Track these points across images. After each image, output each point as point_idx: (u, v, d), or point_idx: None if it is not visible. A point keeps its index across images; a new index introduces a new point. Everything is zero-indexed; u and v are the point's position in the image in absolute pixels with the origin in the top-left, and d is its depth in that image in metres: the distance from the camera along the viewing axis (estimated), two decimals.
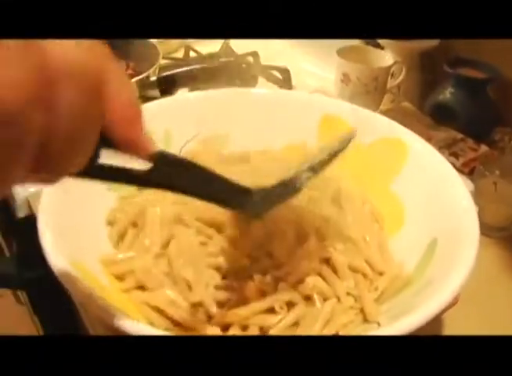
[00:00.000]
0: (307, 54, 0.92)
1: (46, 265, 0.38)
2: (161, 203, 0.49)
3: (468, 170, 0.67)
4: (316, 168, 0.43)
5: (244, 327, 0.41)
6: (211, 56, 0.89)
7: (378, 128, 0.57)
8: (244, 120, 0.59)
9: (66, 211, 0.44)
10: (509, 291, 0.53)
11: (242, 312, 0.41)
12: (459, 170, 0.66)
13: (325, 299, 0.43)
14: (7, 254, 0.90)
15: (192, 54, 0.92)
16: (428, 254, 0.45)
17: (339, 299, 0.44)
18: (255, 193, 0.38)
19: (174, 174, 0.30)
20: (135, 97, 0.25)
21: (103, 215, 0.49)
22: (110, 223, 0.49)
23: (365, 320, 0.43)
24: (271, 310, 0.42)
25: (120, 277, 0.45)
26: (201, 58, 0.90)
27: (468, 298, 0.44)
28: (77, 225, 0.45)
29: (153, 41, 0.80)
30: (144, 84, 0.73)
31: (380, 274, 0.46)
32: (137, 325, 0.35)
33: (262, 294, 0.43)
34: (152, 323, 0.40)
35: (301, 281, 0.44)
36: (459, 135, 0.72)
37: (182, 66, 0.79)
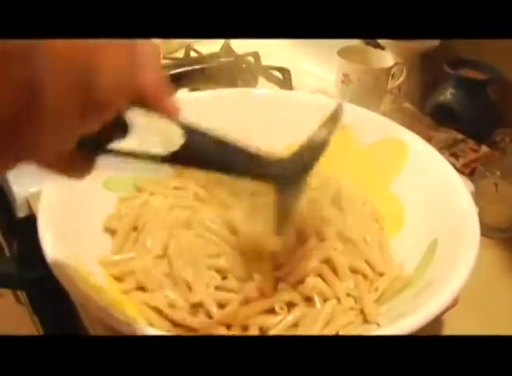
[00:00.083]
0: (307, 54, 0.92)
1: (46, 266, 0.38)
2: (161, 204, 0.50)
3: (469, 171, 0.67)
4: (327, 125, 0.42)
5: (244, 328, 0.41)
6: (211, 56, 0.89)
7: (378, 128, 0.57)
8: (245, 120, 0.59)
9: (65, 212, 0.44)
10: (509, 292, 0.53)
11: (242, 312, 0.41)
12: (460, 171, 0.65)
13: (325, 300, 0.43)
14: (7, 254, 0.90)
15: (192, 54, 0.92)
16: (428, 255, 0.45)
17: (339, 300, 0.44)
18: (284, 161, 0.37)
19: (205, 149, 0.30)
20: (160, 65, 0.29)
21: (103, 216, 0.49)
22: (110, 232, 0.49)
23: (365, 321, 0.43)
24: (271, 311, 0.42)
25: (119, 278, 0.45)
26: (201, 58, 0.89)
27: (468, 299, 0.44)
28: (77, 227, 0.45)
29: (154, 41, 0.79)
30: None
31: (381, 275, 0.46)
32: (136, 326, 0.35)
33: (262, 294, 0.43)
34: (152, 324, 0.40)
35: (301, 282, 0.44)
36: (460, 136, 0.72)
37: (182, 66, 0.79)
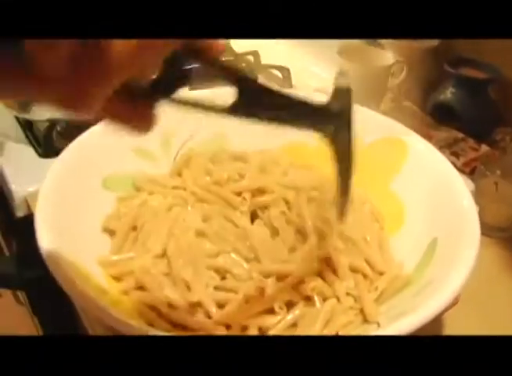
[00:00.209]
0: (307, 54, 0.92)
1: (46, 266, 0.38)
2: (160, 203, 0.49)
3: (469, 170, 0.67)
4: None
5: (243, 328, 0.41)
6: None
7: (378, 127, 0.56)
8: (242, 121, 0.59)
9: (64, 212, 0.44)
10: (509, 291, 0.53)
11: (241, 312, 0.41)
12: (460, 170, 0.65)
13: (324, 299, 0.43)
14: (6, 253, 0.90)
15: None
16: (428, 254, 0.45)
17: (339, 299, 0.43)
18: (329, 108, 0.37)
19: (259, 100, 0.31)
20: None
21: (101, 216, 0.49)
22: (109, 232, 0.49)
23: (365, 321, 0.43)
24: (270, 310, 0.42)
25: (118, 278, 0.44)
26: None
27: (468, 298, 0.44)
28: (76, 227, 0.45)
29: None
30: None
31: (380, 274, 0.46)
32: (136, 326, 0.34)
33: (262, 294, 0.43)
34: (151, 324, 0.40)
35: (300, 281, 0.44)
36: (460, 135, 0.72)
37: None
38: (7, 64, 0.23)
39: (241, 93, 0.30)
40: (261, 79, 0.31)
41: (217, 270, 0.44)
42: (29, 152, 0.68)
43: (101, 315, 0.36)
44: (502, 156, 0.67)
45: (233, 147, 0.58)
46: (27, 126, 0.72)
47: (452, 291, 0.38)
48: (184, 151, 0.57)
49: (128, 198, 0.51)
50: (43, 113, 0.66)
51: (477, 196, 0.54)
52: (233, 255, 0.45)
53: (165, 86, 0.28)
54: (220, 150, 0.57)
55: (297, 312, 0.42)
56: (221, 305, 0.42)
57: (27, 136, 0.71)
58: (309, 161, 0.57)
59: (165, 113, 0.57)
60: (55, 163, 0.48)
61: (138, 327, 0.35)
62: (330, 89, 0.39)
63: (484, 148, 0.70)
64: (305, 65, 0.91)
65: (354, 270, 0.46)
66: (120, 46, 0.23)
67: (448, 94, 0.75)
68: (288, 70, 0.82)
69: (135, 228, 0.48)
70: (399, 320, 0.36)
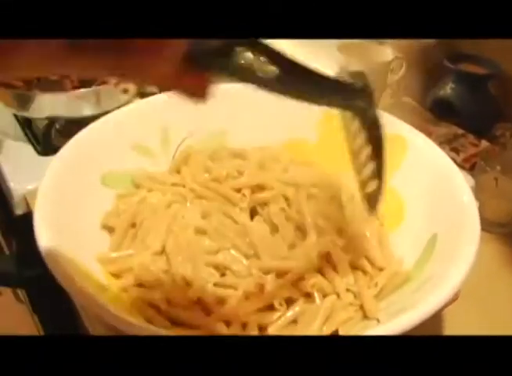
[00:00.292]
0: (307, 53, 0.92)
1: (45, 263, 0.38)
2: (159, 200, 0.49)
3: (469, 165, 0.67)
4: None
5: (243, 324, 0.41)
6: None
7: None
8: (243, 116, 0.59)
9: (62, 210, 0.44)
10: (509, 287, 0.53)
11: (241, 309, 0.41)
12: (460, 165, 0.65)
13: (324, 296, 0.43)
14: (6, 252, 0.89)
15: None
16: (428, 250, 0.45)
17: (338, 296, 0.43)
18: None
19: (297, 77, 0.32)
20: None
21: (101, 213, 0.49)
22: (108, 229, 0.49)
23: (365, 317, 0.43)
24: (270, 307, 0.42)
25: (117, 275, 0.44)
26: None
27: (469, 293, 0.44)
28: (75, 224, 0.45)
29: None
30: None
31: (380, 270, 0.46)
32: (135, 323, 0.34)
33: (261, 291, 0.42)
34: (150, 321, 0.40)
35: (300, 278, 0.44)
36: (460, 131, 0.72)
37: None
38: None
39: (282, 70, 0.31)
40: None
41: (216, 267, 0.44)
42: (28, 150, 0.68)
43: (100, 312, 0.35)
44: (502, 151, 0.67)
45: (233, 144, 0.58)
46: (26, 124, 0.72)
47: (452, 287, 0.38)
48: (183, 148, 0.56)
49: (127, 195, 0.51)
50: (42, 110, 0.66)
51: (477, 191, 0.54)
52: (233, 252, 0.45)
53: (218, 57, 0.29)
54: (219, 147, 0.57)
55: (296, 308, 0.42)
56: (220, 302, 0.42)
57: (25, 134, 0.71)
58: (309, 158, 0.57)
59: (165, 108, 0.57)
60: (53, 160, 0.47)
61: (137, 323, 0.35)
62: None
63: (484, 144, 0.70)
64: (306, 61, 0.90)
65: (354, 266, 0.46)
66: None
67: (447, 90, 0.75)
68: None
69: (134, 225, 0.48)
70: (399, 316, 0.36)
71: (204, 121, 0.57)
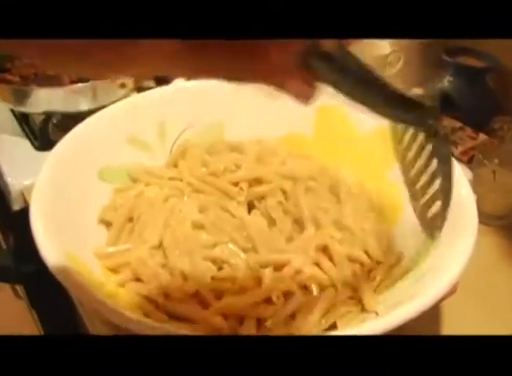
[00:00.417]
0: None
1: (43, 259, 0.38)
2: (156, 194, 0.49)
3: (467, 158, 0.67)
4: None
5: (241, 318, 0.41)
6: None
7: (375, 117, 0.56)
8: (240, 110, 0.58)
9: (59, 204, 0.44)
10: (507, 279, 0.53)
11: (238, 303, 0.41)
12: (458, 158, 0.65)
13: (322, 289, 0.43)
14: (4, 247, 0.89)
15: None
16: (426, 243, 0.45)
17: (336, 289, 0.43)
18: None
19: (373, 88, 0.32)
20: None
21: (98, 207, 0.49)
22: (105, 223, 0.48)
23: (363, 310, 0.43)
24: (268, 300, 0.42)
25: (115, 270, 0.44)
26: None
27: (467, 286, 0.44)
28: (72, 219, 0.45)
29: None
30: None
31: (378, 263, 0.46)
32: (132, 318, 0.34)
33: (259, 284, 0.42)
34: (148, 315, 0.40)
35: (298, 271, 0.43)
36: (458, 124, 0.72)
37: None
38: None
39: (365, 81, 0.31)
40: None
41: (213, 261, 0.44)
42: (25, 145, 0.68)
43: (98, 307, 0.35)
44: (500, 144, 0.67)
45: (231, 137, 0.58)
46: (23, 119, 0.71)
47: (451, 279, 0.37)
48: (180, 142, 0.56)
49: (124, 189, 0.51)
50: (39, 105, 0.65)
51: (475, 184, 0.54)
52: (230, 246, 0.45)
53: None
54: (217, 140, 0.57)
55: (294, 302, 0.42)
56: (218, 296, 0.42)
57: (22, 129, 0.71)
58: (307, 151, 0.57)
59: (162, 102, 0.57)
60: (50, 155, 0.47)
61: (134, 318, 0.34)
62: None
63: (482, 137, 0.70)
64: None
65: (351, 260, 0.45)
66: None
67: (445, 83, 0.75)
68: None
69: (131, 219, 0.48)
70: (397, 309, 0.36)
71: (201, 114, 0.57)
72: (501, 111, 0.73)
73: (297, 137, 0.59)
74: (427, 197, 0.39)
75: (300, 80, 0.28)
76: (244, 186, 0.50)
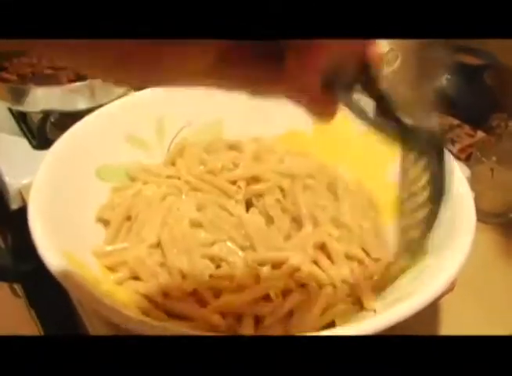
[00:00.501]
0: None
1: (41, 258, 0.38)
2: (154, 193, 0.49)
3: (465, 156, 0.67)
4: None
5: (239, 316, 0.41)
6: None
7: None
8: (239, 108, 0.58)
9: (57, 203, 0.44)
10: (505, 277, 0.53)
11: (236, 301, 0.41)
12: (456, 156, 0.65)
13: (320, 287, 0.43)
14: (2, 246, 0.89)
15: None
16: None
17: (335, 287, 0.43)
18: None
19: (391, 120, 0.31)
20: None
21: (95, 206, 0.49)
22: (103, 222, 0.48)
23: (362, 308, 0.43)
24: (266, 298, 0.42)
25: (113, 269, 0.44)
26: None
27: (465, 283, 0.44)
28: (69, 217, 0.45)
29: None
30: None
31: (376, 261, 0.46)
32: (131, 316, 0.34)
33: (257, 282, 0.42)
34: (146, 314, 0.40)
35: (296, 269, 0.44)
36: (456, 121, 0.72)
37: None
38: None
39: (380, 108, 0.30)
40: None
41: (212, 259, 0.44)
42: (23, 144, 0.68)
43: (96, 306, 0.35)
44: (497, 142, 0.67)
45: (229, 136, 0.58)
46: (21, 118, 0.71)
47: (449, 277, 0.38)
48: (178, 140, 0.56)
49: (122, 188, 0.51)
50: (36, 104, 0.65)
51: (473, 182, 0.54)
52: (228, 244, 0.45)
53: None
54: (214, 139, 0.57)
55: (292, 299, 0.42)
56: (216, 294, 0.42)
57: (20, 128, 0.70)
58: (306, 149, 0.57)
59: (159, 100, 0.57)
60: (48, 154, 0.47)
61: (133, 316, 0.35)
62: None
63: (480, 134, 0.70)
64: None
65: (349, 257, 0.45)
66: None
67: (443, 81, 0.75)
68: None
69: (129, 218, 0.48)
70: (395, 306, 0.36)
71: (199, 112, 0.57)
72: (499, 109, 0.73)
73: (297, 135, 0.59)
74: (410, 221, 0.39)
75: (321, 100, 0.28)
76: (242, 184, 0.50)
